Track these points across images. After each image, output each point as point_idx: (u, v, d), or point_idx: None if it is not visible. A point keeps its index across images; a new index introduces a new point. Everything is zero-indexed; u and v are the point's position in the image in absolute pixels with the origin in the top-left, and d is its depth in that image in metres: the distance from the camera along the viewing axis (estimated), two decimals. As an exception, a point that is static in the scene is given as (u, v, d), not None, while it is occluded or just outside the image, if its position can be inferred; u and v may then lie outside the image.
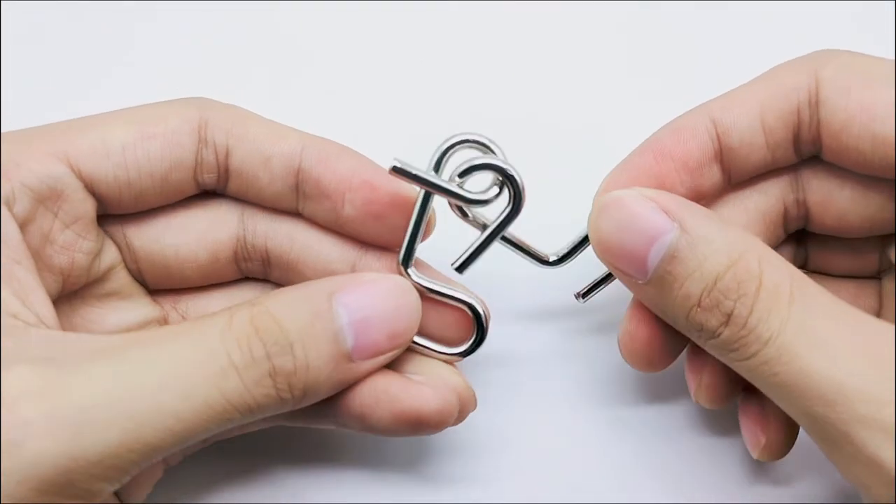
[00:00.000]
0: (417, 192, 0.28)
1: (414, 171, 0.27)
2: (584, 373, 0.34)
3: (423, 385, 0.27)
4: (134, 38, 0.40)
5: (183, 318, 0.30)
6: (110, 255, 0.29)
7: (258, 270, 0.30)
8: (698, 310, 0.26)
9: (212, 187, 0.29)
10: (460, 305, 0.29)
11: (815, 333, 0.24)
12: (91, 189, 0.27)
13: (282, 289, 0.27)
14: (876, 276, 0.31)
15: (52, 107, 0.38)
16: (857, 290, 0.31)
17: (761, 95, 0.28)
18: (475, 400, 0.29)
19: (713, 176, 0.28)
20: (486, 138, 0.28)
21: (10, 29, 0.40)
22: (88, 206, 0.27)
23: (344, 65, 0.40)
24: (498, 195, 0.28)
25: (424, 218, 0.28)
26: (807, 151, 0.28)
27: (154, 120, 0.27)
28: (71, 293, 0.28)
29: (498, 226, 0.28)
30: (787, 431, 0.29)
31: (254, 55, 0.40)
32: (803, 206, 0.30)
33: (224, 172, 0.28)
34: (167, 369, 0.23)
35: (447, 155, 0.28)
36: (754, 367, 0.25)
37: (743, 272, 0.25)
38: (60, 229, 0.27)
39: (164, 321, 0.30)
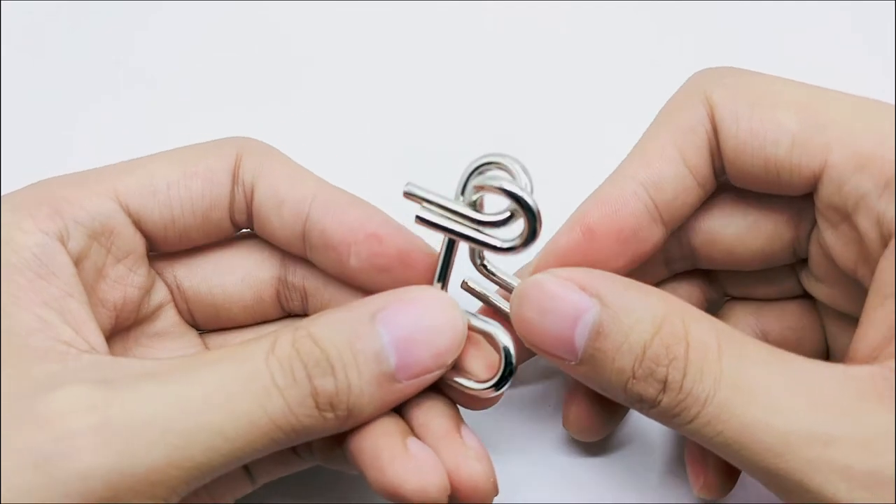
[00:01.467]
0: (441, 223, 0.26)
1: (436, 222, 0.26)
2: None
3: (409, 461, 0.25)
4: (133, 41, 0.41)
5: None
6: (160, 293, 0.29)
7: (299, 308, 0.31)
8: (634, 381, 0.25)
9: (245, 227, 0.30)
10: (485, 335, 0.27)
11: (750, 385, 0.24)
12: (139, 226, 0.28)
13: (325, 311, 0.26)
14: (808, 296, 0.31)
15: (54, 113, 0.39)
16: (800, 309, 0.31)
17: (673, 139, 0.27)
18: (489, 484, 0.26)
19: (654, 235, 0.28)
20: (513, 158, 0.26)
21: (11, 31, 0.41)
22: (138, 242, 0.28)
23: (344, 73, 0.41)
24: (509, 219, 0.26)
25: (455, 250, 0.27)
26: (721, 176, 0.28)
27: (195, 158, 0.28)
28: (124, 333, 0.29)
29: (489, 245, 0.26)
30: (727, 471, 0.29)
31: (251, 61, 0.41)
32: (687, 248, 0.30)
33: (250, 212, 0.29)
34: (213, 388, 0.23)
35: (471, 179, 0.27)
36: (698, 429, 0.25)
37: (669, 336, 0.25)
38: (112, 264, 0.28)
39: None
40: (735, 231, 0.29)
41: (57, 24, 0.41)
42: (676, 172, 0.27)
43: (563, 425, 0.32)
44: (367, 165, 0.39)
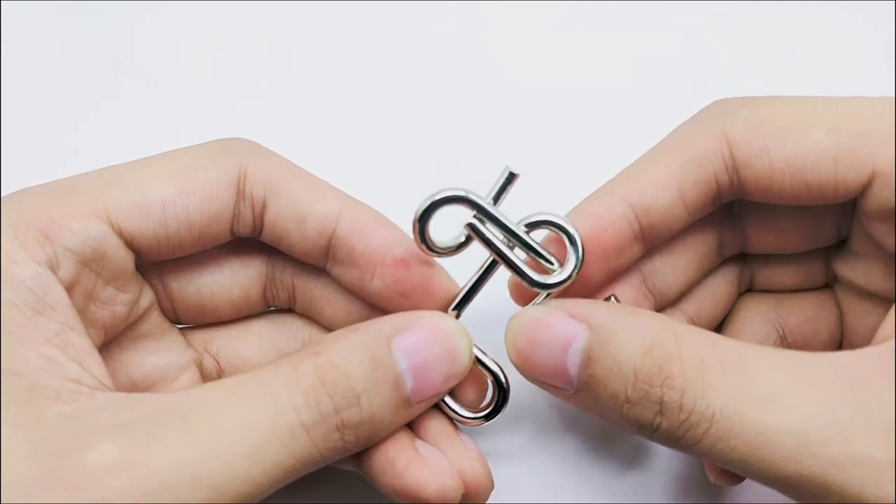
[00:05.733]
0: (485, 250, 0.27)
1: (490, 240, 0.27)
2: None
3: (425, 466, 0.26)
4: (133, 41, 0.41)
5: (215, 358, 0.30)
6: (147, 299, 0.29)
7: (284, 302, 0.31)
8: (629, 406, 0.24)
9: (246, 236, 0.29)
10: (482, 370, 0.28)
11: (758, 392, 0.23)
12: (131, 245, 0.27)
13: (337, 333, 0.26)
14: (828, 286, 0.31)
15: (54, 113, 0.39)
16: (819, 300, 0.31)
17: (675, 171, 0.27)
18: (489, 483, 0.28)
19: (633, 253, 0.28)
20: (564, 219, 0.27)
21: (11, 31, 0.41)
22: (129, 261, 0.27)
23: (343, 73, 0.40)
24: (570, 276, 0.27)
25: (489, 276, 0.28)
26: (726, 201, 0.29)
27: (193, 172, 0.27)
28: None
29: (529, 277, 0.27)
30: None
31: (252, 61, 0.41)
32: (740, 233, 0.30)
33: (259, 224, 0.28)
34: (237, 432, 0.23)
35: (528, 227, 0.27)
36: (710, 447, 0.24)
37: (661, 355, 0.24)
38: (102, 286, 0.27)
39: (198, 363, 0.30)
40: (787, 213, 0.29)
41: (57, 24, 0.41)
42: (669, 202, 0.27)
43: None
44: (364, 164, 0.39)
